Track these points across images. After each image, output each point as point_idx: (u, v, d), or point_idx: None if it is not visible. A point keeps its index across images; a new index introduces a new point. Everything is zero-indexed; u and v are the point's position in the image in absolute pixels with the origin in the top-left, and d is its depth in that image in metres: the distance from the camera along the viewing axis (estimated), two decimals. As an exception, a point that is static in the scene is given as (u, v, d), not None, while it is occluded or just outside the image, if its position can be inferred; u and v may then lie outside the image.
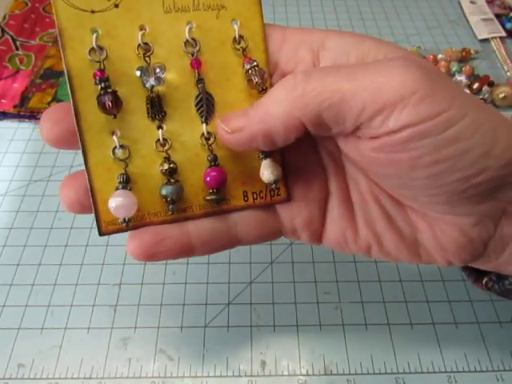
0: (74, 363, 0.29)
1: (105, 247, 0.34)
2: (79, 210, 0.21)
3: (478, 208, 0.20)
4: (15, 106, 0.44)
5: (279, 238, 0.24)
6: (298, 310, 0.31)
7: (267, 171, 0.21)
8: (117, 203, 0.20)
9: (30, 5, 0.54)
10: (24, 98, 0.44)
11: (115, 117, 0.20)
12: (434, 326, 0.30)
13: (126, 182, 0.20)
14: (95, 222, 0.21)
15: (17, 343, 0.29)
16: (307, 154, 0.23)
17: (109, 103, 0.19)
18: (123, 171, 0.20)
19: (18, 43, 0.50)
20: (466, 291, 0.32)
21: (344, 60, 0.20)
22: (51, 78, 0.46)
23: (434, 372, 0.28)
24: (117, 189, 0.20)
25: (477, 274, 0.25)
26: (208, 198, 0.21)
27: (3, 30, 0.51)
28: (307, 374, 0.28)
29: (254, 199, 0.22)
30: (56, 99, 0.44)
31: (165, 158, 0.21)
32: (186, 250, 0.21)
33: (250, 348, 0.29)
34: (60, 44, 0.19)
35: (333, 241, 0.23)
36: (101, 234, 0.21)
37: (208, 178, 0.21)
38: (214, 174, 0.21)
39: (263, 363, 0.29)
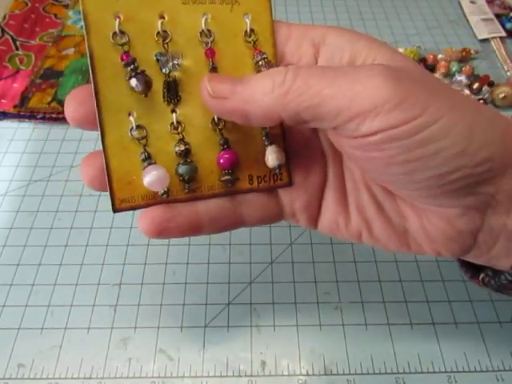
0: (74, 363, 0.29)
1: (105, 247, 0.34)
2: (99, 187, 0.22)
3: (461, 201, 0.20)
4: (15, 106, 0.44)
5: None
6: (298, 309, 0.31)
7: (272, 156, 0.22)
8: (152, 178, 0.21)
9: (29, 5, 0.54)
10: (24, 97, 0.44)
11: (146, 95, 0.21)
12: (434, 326, 0.30)
13: (150, 158, 0.21)
14: (109, 200, 0.22)
15: (17, 343, 0.29)
16: (309, 140, 0.24)
17: (141, 84, 0.20)
18: (143, 150, 0.21)
19: (18, 43, 0.50)
20: (465, 291, 0.32)
21: (338, 57, 0.22)
22: (51, 77, 0.46)
23: (434, 372, 0.28)
24: (144, 166, 0.21)
25: (473, 270, 0.26)
26: (223, 178, 0.22)
27: (3, 30, 0.51)
28: (307, 374, 0.28)
29: (258, 183, 0.24)
30: (56, 99, 0.44)
31: (179, 139, 0.22)
32: (195, 228, 0.23)
33: (250, 348, 0.29)
34: (84, 27, 0.20)
35: (326, 226, 0.24)
36: (115, 211, 0.22)
37: (222, 160, 0.22)
38: (227, 156, 0.22)
39: (263, 363, 0.29)
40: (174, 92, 0.21)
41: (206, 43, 0.22)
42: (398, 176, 0.20)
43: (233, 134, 0.23)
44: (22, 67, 0.47)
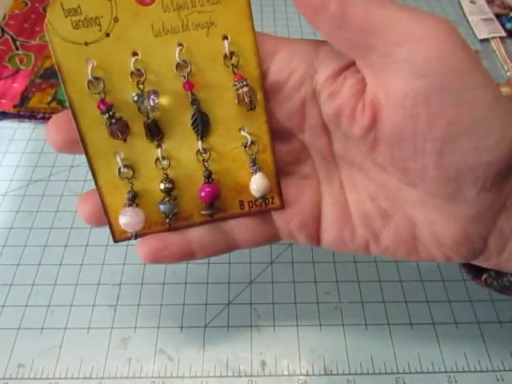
0: (74, 363, 0.29)
1: (105, 247, 0.34)
2: (96, 223, 0.23)
3: (482, 196, 0.20)
4: (15, 106, 0.44)
5: (279, 242, 0.25)
6: (298, 309, 0.31)
7: (255, 187, 0.22)
8: (125, 220, 0.22)
9: (29, 5, 0.54)
10: (24, 97, 0.44)
11: (125, 141, 0.21)
12: (434, 326, 0.30)
13: (133, 200, 0.22)
14: (110, 232, 0.23)
15: (17, 343, 0.29)
16: (299, 160, 0.23)
17: (117, 132, 0.21)
18: (130, 189, 0.22)
19: (17, 43, 0.50)
20: (466, 291, 0.32)
21: (340, 62, 0.21)
22: (51, 77, 0.46)
23: (434, 372, 0.28)
24: (125, 206, 0.22)
25: (476, 271, 0.25)
26: (203, 212, 0.23)
27: (3, 30, 0.51)
28: (307, 374, 0.28)
29: (249, 207, 0.24)
30: (56, 99, 0.44)
31: (163, 177, 0.22)
32: (188, 255, 0.24)
33: (250, 348, 0.29)
34: (60, 78, 0.20)
35: (331, 242, 0.24)
36: (116, 241, 0.24)
37: (202, 194, 0.23)
38: (208, 189, 0.23)
39: (263, 363, 0.29)
40: (155, 131, 0.21)
41: (184, 76, 0.21)
42: (436, 143, 0.19)
43: (220, 163, 0.23)
44: (22, 67, 0.47)
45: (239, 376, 0.28)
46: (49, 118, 0.43)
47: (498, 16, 0.56)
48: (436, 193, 0.20)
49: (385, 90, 0.19)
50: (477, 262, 0.22)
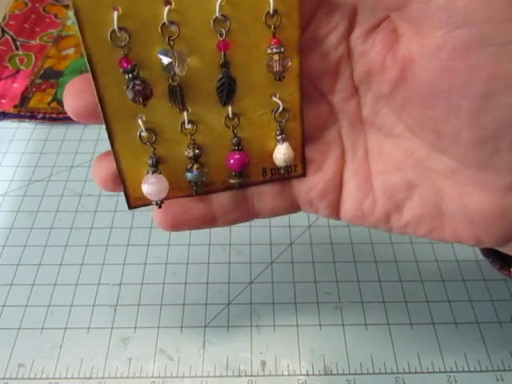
0: (74, 363, 0.29)
1: (105, 247, 0.34)
2: (113, 187, 0.22)
3: None
4: (15, 106, 0.44)
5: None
6: (298, 310, 0.31)
7: (279, 157, 0.22)
8: (149, 189, 0.21)
9: (30, 5, 0.54)
10: (24, 98, 0.44)
11: (145, 106, 0.19)
12: (434, 326, 0.30)
13: (156, 166, 0.21)
14: (124, 197, 0.22)
15: (17, 343, 0.29)
16: (326, 124, 0.22)
17: (139, 97, 0.19)
18: (152, 154, 0.21)
19: (18, 43, 0.50)
20: (465, 291, 0.32)
21: (375, 18, 0.19)
22: (51, 77, 0.46)
23: (434, 372, 0.28)
24: (148, 172, 0.21)
25: (503, 261, 0.24)
26: (232, 181, 0.22)
27: (3, 30, 0.51)
28: (307, 374, 0.28)
29: (272, 175, 0.23)
30: (56, 99, 0.44)
31: (190, 142, 0.21)
32: (209, 220, 0.23)
33: (250, 348, 0.29)
34: (77, 25, 0.17)
35: (350, 213, 0.23)
36: (130, 207, 0.22)
37: (232, 161, 0.21)
38: (238, 157, 0.21)
39: (263, 363, 0.29)
40: (178, 96, 0.20)
41: (220, 33, 0.18)
42: (474, 101, 0.17)
43: (247, 130, 0.22)
44: (22, 67, 0.47)
45: (239, 376, 0.28)
46: (49, 118, 0.43)
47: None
48: (468, 159, 0.19)
49: (420, 41, 0.18)
50: (507, 249, 0.21)
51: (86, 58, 0.18)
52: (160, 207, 0.22)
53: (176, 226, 0.22)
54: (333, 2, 0.19)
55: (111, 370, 0.28)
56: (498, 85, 0.17)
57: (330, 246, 0.35)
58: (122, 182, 0.21)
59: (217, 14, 0.18)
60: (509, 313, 0.31)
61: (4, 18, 0.52)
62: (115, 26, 0.17)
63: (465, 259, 0.34)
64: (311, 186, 0.23)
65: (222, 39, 0.19)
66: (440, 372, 0.28)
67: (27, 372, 0.28)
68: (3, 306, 0.31)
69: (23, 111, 0.43)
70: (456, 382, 0.28)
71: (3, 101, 0.44)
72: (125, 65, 0.18)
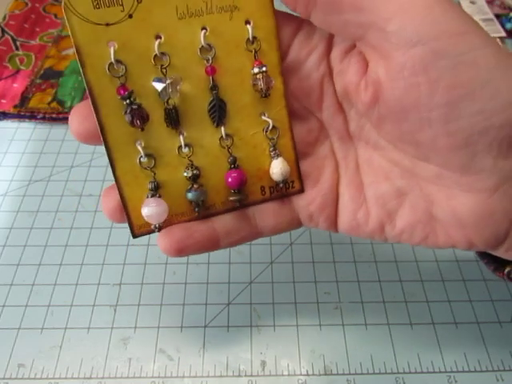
0: (74, 363, 0.29)
1: (105, 247, 0.34)
2: (121, 218, 0.22)
3: (499, 164, 0.19)
4: (15, 106, 0.44)
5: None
6: (298, 310, 0.31)
7: (276, 171, 0.22)
8: (149, 211, 0.21)
9: (30, 5, 0.54)
10: (24, 98, 0.44)
11: (142, 130, 0.20)
12: (434, 326, 0.30)
13: (156, 190, 0.22)
14: (128, 226, 0.22)
15: (17, 343, 0.29)
16: (318, 140, 0.23)
17: (136, 120, 0.20)
18: (152, 179, 0.22)
19: (18, 43, 0.50)
20: (465, 291, 0.32)
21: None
22: (51, 77, 0.46)
23: (434, 372, 0.28)
24: (148, 196, 0.22)
25: (498, 263, 0.25)
26: (232, 198, 0.23)
27: (3, 30, 0.51)
28: (307, 374, 0.28)
29: (270, 193, 0.24)
30: (56, 99, 0.44)
31: (188, 164, 0.22)
32: (213, 243, 0.23)
33: (250, 348, 0.29)
34: (78, 61, 0.19)
35: (346, 225, 0.23)
36: (134, 236, 0.23)
37: (230, 179, 0.22)
38: (235, 175, 0.22)
39: (263, 363, 0.29)
40: (175, 118, 0.21)
41: (207, 60, 0.21)
42: (441, 110, 0.18)
43: (241, 150, 0.23)
44: (22, 67, 0.47)
45: (239, 376, 0.28)
46: (49, 118, 0.43)
47: (497, 16, 0.56)
48: (450, 164, 0.20)
49: (384, 64, 0.19)
50: (501, 251, 0.21)
51: (87, 91, 0.20)
52: (159, 231, 0.22)
53: (181, 251, 0.22)
54: (310, 26, 0.21)
55: (111, 370, 0.28)
56: (457, 93, 0.18)
57: (330, 246, 0.35)
58: (125, 209, 0.22)
59: (202, 43, 0.20)
60: (509, 313, 0.31)
61: (4, 17, 0.52)
62: (112, 59, 0.19)
63: (465, 259, 0.34)
64: (310, 200, 0.24)
65: (208, 65, 0.21)
66: (440, 372, 0.28)
67: (27, 372, 0.28)
68: (3, 306, 0.31)
69: (23, 111, 0.43)
70: (456, 382, 0.28)
71: (3, 101, 0.44)
72: (122, 92, 0.20)
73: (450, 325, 0.31)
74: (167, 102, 0.20)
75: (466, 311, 0.31)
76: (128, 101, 0.20)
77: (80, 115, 0.20)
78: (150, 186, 0.22)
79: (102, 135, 0.20)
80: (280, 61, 0.22)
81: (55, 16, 0.54)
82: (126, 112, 0.20)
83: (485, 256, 0.25)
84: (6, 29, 0.51)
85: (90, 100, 0.20)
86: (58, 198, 0.38)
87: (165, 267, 0.33)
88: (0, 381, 0.28)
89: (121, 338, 0.30)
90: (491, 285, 0.32)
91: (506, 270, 0.24)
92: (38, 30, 0.52)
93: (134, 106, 0.20)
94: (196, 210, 0.22)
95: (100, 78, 0.19)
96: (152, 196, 0.22)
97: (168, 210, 0.22)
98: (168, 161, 0.22)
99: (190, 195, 0.22)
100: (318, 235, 0.35)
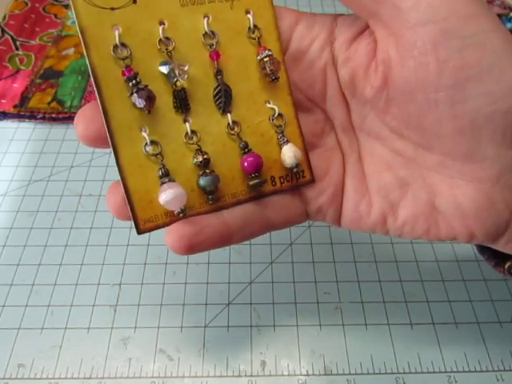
0: (74, 363, 0.29)
1: (105, 247, 0.34)
2: (127, 215, 0.21)
3: (502, 153, 0.19)
4: (15, 106, 0.44)
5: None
6: (298, 309, 0.31)
7: (289, 155, 0.22)
8: (167, 196, 0.20)
9: (29, 5, 0.54)
10: (24, 97, 0.44)
11: (149, 112, 0.20)
12: (434, 326, 0.30)
13: (167, 175, 0.20)
14: (132, 221, 0.21)
15: (17, 343, 0.29)
16: (325, 131, 0.23)
17: (142, 101, 0.19)
18: (161, 165, 0.20)
19: (18, 43, 0.50)
20: (466, 291, 0.32)
21: (356, 27, 0.21)
22: (51, 77, 0.46)
23: (434, 372, 0.28)
24: (161, 184, 0.20)
25: (498, 258, 0.24)
26: (251, 183, 0.22)
27: (3, 30, 0.51)
28: (307, 374, 0.28)
29: (281, 183, 0.23)
30: (56, 99, 0.44)
31: (197, 150, 0.21)
32: (225, 238, 0.22)
33: (250, 348, 0.29)
34: (82, 43, 0.19)
35: (349, 218, 0.23)
36: (139, 232, 0.21)
37: (246, 164, 0.21)
38: (251, 159, 0.21)
39: (263, 363, 0.29)
40: (184, 101, 0.20)
41: (211, 45, 0.21)
42: (448, 92, 0.18)
43: (249, 138, 0.22)
44: (22, 67, 0.47)
45: (239, 376, 0.28)
46: (49, 118, 0.43)
47: (498, 16, 0.56)
48: (454, 152, 0.20)
49: (395, 42, 0.19)
50: (501, 244, 0.21)
51: (90, 74, 0.19)
52: (185, 216, 0.21)
53: (192, 248, 0.21)
54: (310, 19, 0.22)
55: (111, 370, 0.28)
56: (465, 75, 0.18)
57: (330, 246, 0.35)
58: (129, 202, 0.20)
59: (206, 29, 0.21)
60: (509, 313, 0.31)
61: (4, 17, 0.52)
62: (117, 41, 0.19)
63: (465, 259, 0.34)
64: (320, 191, 0.23)
65: (212, 50, 0.21)
66: (440, 372, 0.28)
67: (27, 372, 0.28)
68: (3, 306, 0.31)
69: (23, 111, 0.43)
70: (456, 381, 0.28)
71: (3, 101, 0.44)
72: (127, 73, 0.19)
73: (450, 325, 0.31)
74: (175, 83, 0.20)
75: (466, 311, 0.31)
76: (134, 81, 0.19)
77: (85, 118, 0.20)
78: (159, 172, 0.20)
79: (104, 119, 0.20)
80: (281, 50, 0.22)
81: (55, 16, 0.54)
82: (131, 93, 0.19)
83: (485, 251, 0.25)
84: (5, 29, 0.51)
85: (93, 83, 0.19)
86: (57, 197, 0.38)
87: (165, 267, 0.33)
88: (0, 381, 0.28)
89: (121, 337, 0.30)
90: (491, 285, 0.32)
91: (507, 265, 0.24)
92: (37, 29, 0.52)
93: (141, 86, 0.19)
94: (210, 198, 0.21)
95: (104, 60, 0.19)
96: (167, 181, 0.20)
97: (185, 193, 0.20)
98: (174, 148, 0.21)
99: (202, 181, 0.21)
100: (318, 235, 0.35)
